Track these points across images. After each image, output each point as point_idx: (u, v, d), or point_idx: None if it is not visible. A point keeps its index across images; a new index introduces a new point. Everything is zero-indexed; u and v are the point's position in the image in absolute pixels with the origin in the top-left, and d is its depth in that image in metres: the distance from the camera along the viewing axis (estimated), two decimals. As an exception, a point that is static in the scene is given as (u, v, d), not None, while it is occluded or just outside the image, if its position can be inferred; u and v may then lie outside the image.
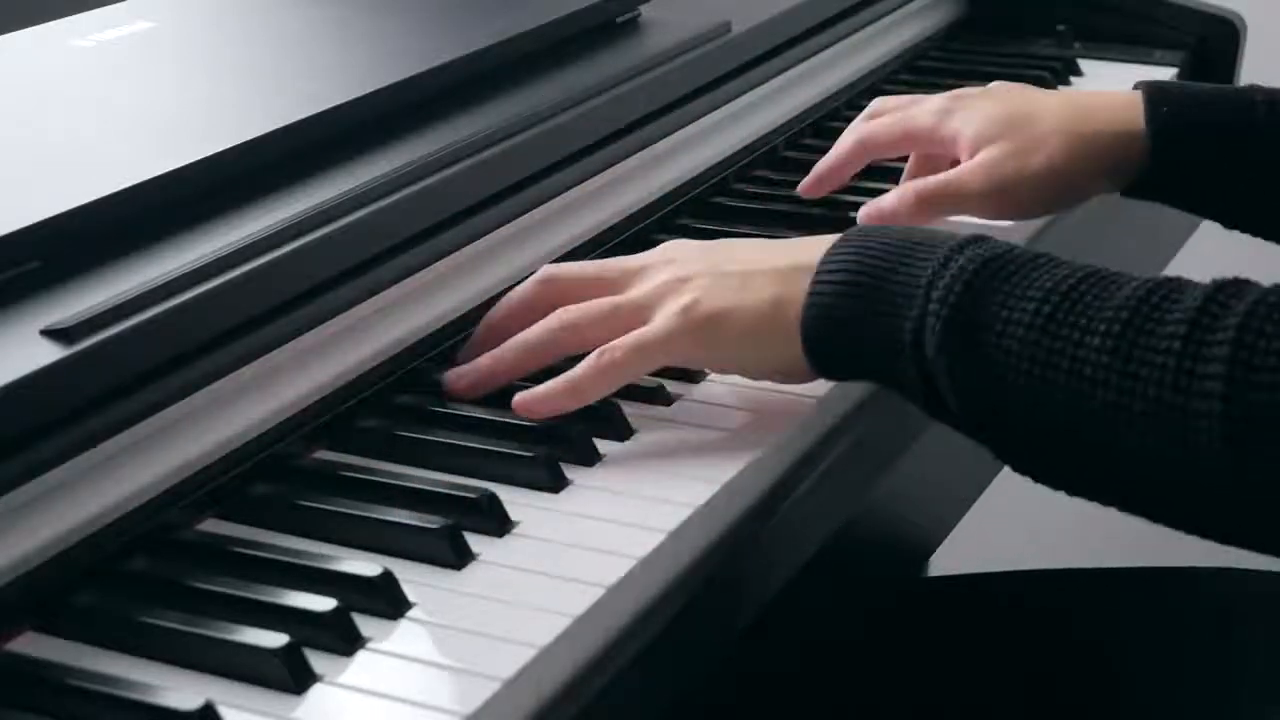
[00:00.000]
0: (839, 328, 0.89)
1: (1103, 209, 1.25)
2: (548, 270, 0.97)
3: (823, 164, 1.18)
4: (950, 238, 0.88)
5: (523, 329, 0.94)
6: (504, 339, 0.95)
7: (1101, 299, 0.83)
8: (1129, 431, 0.81)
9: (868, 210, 1.12)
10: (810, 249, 0.91)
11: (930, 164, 1.18)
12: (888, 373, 0.89)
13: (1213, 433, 0.78)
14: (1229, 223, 1.17)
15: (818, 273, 0.89)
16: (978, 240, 0.88)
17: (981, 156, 1.10)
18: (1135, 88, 1.15)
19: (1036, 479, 0.87)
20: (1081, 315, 0.82)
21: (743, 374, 0.94)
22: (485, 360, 0.94)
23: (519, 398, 0.91)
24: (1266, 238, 1.17)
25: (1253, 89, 1.15)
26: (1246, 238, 1.19)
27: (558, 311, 0.93)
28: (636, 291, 0.93)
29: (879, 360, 0.88)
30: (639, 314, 0.92)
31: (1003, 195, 1.10)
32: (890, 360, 0.87)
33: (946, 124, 1.14)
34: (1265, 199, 1.14)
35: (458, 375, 0.95)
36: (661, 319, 0.91)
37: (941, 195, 1.10)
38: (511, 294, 0.97)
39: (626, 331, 0.92)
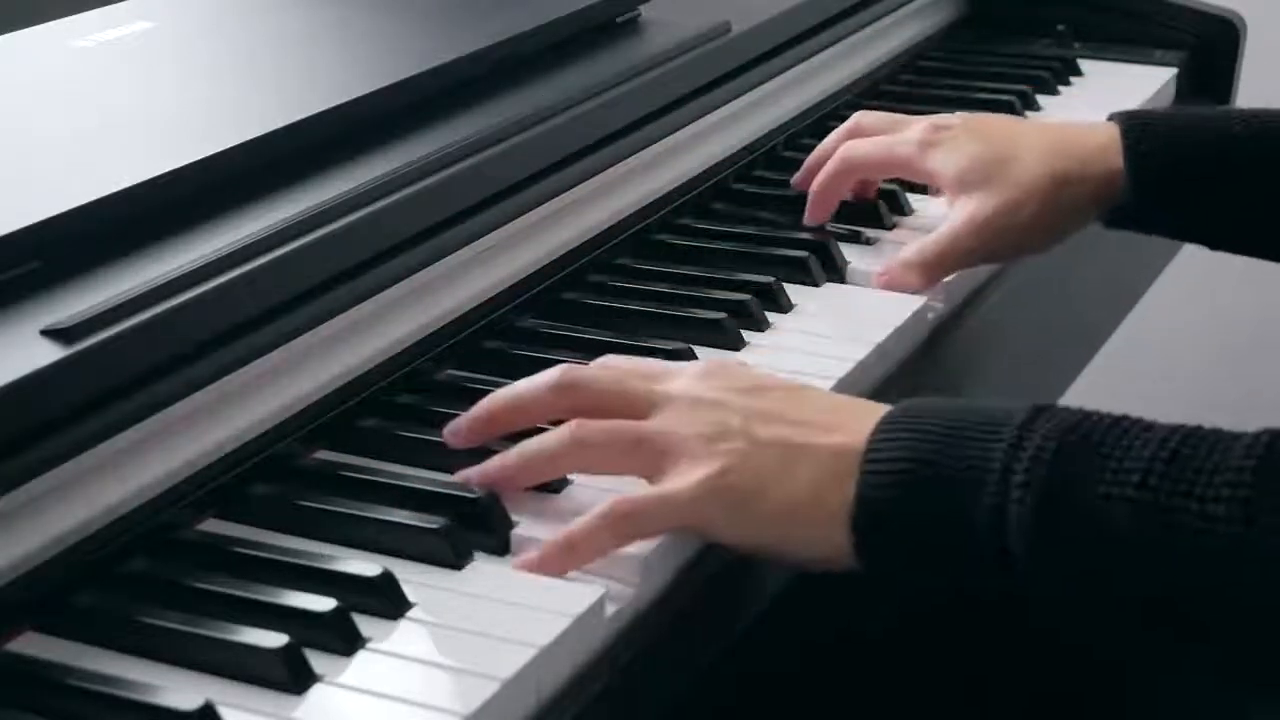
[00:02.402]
0: (894, 523, 0.81)
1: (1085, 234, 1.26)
2: (567, 376, 0.88)
3: (816, 187, 1.18)
4: (1010, 415, 0.81)
5: (528, 422, 0.89)
6: (506, 428, 0.89)
7: (1214, 460, 0.78)
8: (1259, 594, 0.77)
9: (883, 284, 1.11)
10: (856, 429, 0.83)
11: None
12: (952, 566, 0.82)
13: None
14: (1214, 245, 1.17)
15: (867, 461, 0.82)
16: (1046, 412, 0.81)
17: (971, 211, 1.11)
18: (1110, 118, 1.15)
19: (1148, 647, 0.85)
20: (1196, 481, 0.77)
21: (771, 558, 0.86)
22: (493, 465, 0.87)
23: (520, 561, 0.82)
24: (1252, 255, 1.17)
25: (1229, 113, 1.15)
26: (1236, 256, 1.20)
27: (574, 426, 0.86)
28: (661, 428, 0.85)
29: (942, 554, 0.81)
30: (661, 460, 0.84)
31: (995, 246, 1.13)
32: (956, 553, 0.81)
33: (926, 158, 1.15)
34: (1249, 221, 1.15)
35: (463, 471, 0.87)
36: (687, 481, 0.83)
37: (943, 259, 1.11)
38: (523, 387, 0.89)
39: (643, 471, 0.85)
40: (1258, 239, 1.16)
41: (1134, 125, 1.14)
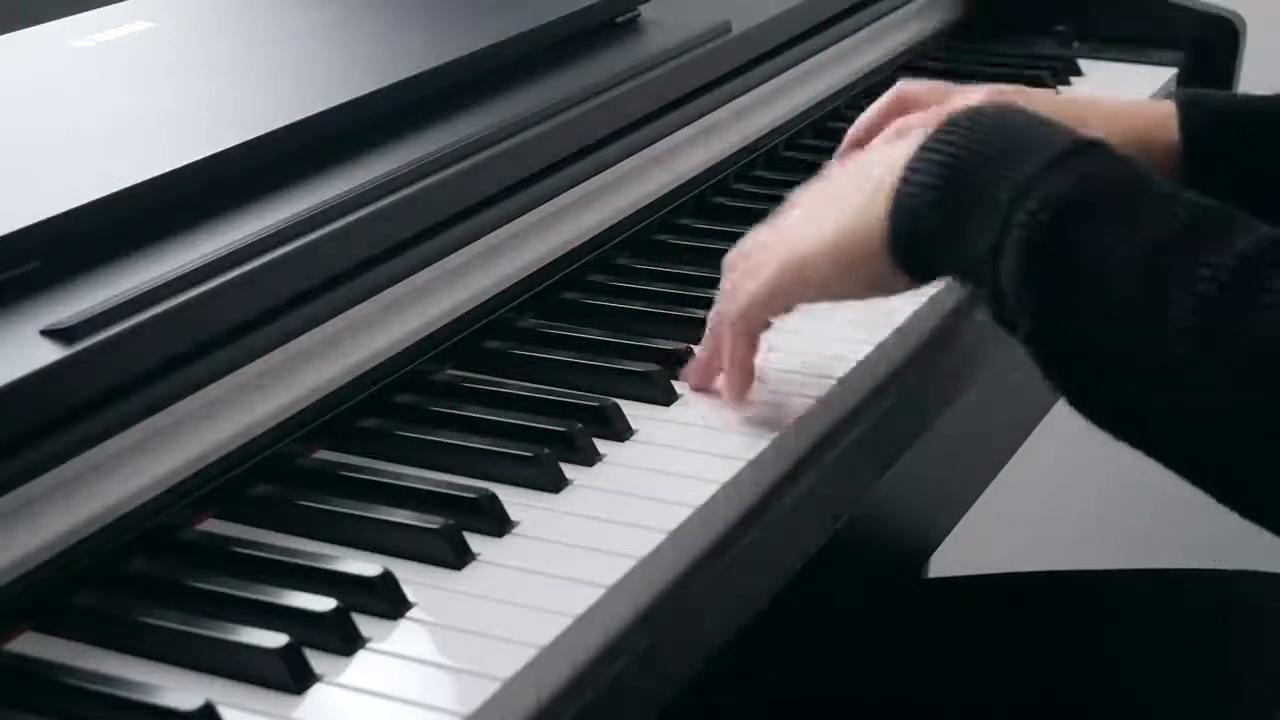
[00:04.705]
0: (923, 242, 0.87)
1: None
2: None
3: (858, 124, 1.17)
4: (1052, 141, 0.85)
5: None
6: None
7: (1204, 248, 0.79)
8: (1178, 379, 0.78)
9: None
10: (895, 160, 0.88)
11: None
12: (967, 277, 0.87)
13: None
14: (1267, 217, 1.19)
15: (907, 167, 0.87)
16: (1080, 152, 0.84)
17: None
18: (1172, 97, 1.15)
19: (1093, 420, 0.84)
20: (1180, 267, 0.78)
21: (845, 299, 0.95)
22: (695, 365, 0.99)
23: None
24: None
25: None
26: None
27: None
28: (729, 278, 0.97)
29: (958, 265, 0.86)
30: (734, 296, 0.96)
31: None
32: (966, 266, 0.85)
33: None
34: None
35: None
36: (759, 275, 0.94)
37: None
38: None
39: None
40: None
41: (1192, 105, 1.14)
